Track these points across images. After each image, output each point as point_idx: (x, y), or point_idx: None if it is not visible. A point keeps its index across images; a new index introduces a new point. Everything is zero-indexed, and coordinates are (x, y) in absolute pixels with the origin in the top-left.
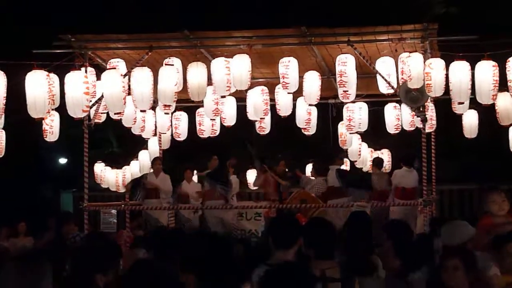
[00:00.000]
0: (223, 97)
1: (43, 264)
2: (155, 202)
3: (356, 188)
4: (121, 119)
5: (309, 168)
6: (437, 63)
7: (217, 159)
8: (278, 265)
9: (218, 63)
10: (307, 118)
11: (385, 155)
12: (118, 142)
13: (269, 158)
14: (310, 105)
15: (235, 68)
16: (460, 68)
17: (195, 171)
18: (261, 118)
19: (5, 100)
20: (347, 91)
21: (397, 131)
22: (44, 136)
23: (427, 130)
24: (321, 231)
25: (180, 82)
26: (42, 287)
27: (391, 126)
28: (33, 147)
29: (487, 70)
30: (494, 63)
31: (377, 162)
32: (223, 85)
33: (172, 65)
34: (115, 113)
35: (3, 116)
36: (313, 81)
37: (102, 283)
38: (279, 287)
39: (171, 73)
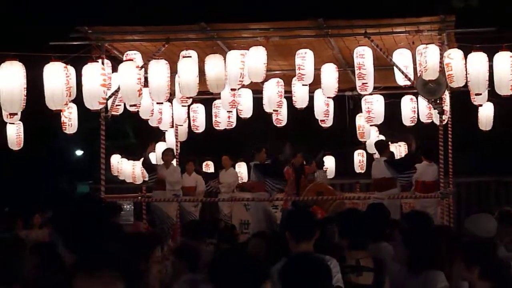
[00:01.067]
0: (233, 89)
1: None
2: (160, 194)
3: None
4: (138, 111)
5: (326, 160)
6: (456, 54)
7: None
8: (296, 256)
9: (233, 56)
10: (325, 110)
11: (402, 147)
12: (135, 134)
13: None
14: (328, 97)
15: (251, 60)
16: (478, 60)
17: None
18: (274, 110)
19: (25, 92)
20: (366, 83)
21: (412, 124)
22: (63, 128)
23: (444, 122)
24: (355, 221)
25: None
26: None
27: (407, 118)
28: (50, 139)
29: (505, 61)
30: (511, 54)
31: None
32: (236, 78)
33: (190, 56)
34: (130, 105)
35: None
36: (330, 74)
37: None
38: (297, 278)
39: (191, 65)
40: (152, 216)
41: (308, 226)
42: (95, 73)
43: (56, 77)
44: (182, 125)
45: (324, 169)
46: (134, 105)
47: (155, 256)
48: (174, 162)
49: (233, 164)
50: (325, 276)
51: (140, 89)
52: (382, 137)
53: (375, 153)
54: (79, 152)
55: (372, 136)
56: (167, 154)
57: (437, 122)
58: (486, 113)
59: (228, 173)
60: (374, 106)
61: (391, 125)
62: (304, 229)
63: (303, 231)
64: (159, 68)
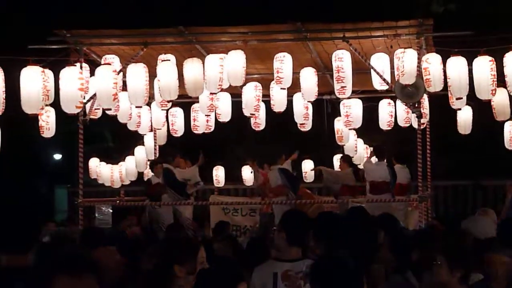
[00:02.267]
0: (213, 93)
1: None
2: (164, 198)
3: None
4: (116, 115)
5: (305, 164)
6: (434, 58)
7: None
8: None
9: (212, 60)
10: (304, 114)
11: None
12: (114, 137)
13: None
14: (308, 101)
15: (230, 64)
16: (457, 64)
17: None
18: (252, 114)
19: (4, 95)
20: (345, 86)
21: (389, 128)
22: (41, 132)
23: (422, 126)
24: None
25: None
26: None
27: (384, 122)
28: (28, 143)
29: (484, 65)
30: (491, 58)
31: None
32: (215, 82)
33: (169, 60)
34: (105, 109)
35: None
36: (310, 78)
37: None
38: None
39: (170, 69)
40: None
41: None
42: (72, 77)
43: (33, 81)
44: (160, 129)
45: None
46: (109, 109)
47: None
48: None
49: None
50: (354, 277)
51: (115, 93)
52: (360, 141)
53: (352, 157)
54: (57, 156)
55: (351, 139)
56: (157, 167)
57: (415, 125)
58: (464, 117)
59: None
60: (352, 110)
61: (369, 129)
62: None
63: (299, 235)
64: (137, 72)
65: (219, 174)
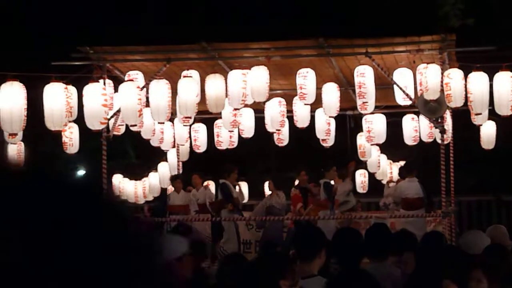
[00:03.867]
0: (236, 109)
1: None
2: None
3: None
4: (140, 131)
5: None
6: (456, 73)
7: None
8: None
9: (235, 76)
10: (326, 129)
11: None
12: (137, 153)
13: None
14: (330, 116)
15: (253, 79)
16: (479, 79)
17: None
18: (277, 130)
19: (26, 112)
20: (366, 102)
21: (415, 143)
22: (64, 148)
23: (445, 141)
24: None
25: (198, 93)
26: None
27: (408, 137)
28: (51, 159)
29: (505, 81)
30: None
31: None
32: (238, 98)
33: (191, 76)
34: (130, 125)
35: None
36: (332, 93)
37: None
38: None
39: (191, 85)
40: None
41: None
42: (96, 93)
43: (56, 97)
44: (183, 145)
45: None
46: (135, 125)
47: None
48: None
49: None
50: None
51: (140, 110)
52: (384, 157)
53: (375, 173)
54: (80, 172)
55: (373, 155)
56: (177, 182)
57: (438, 141)
58: (488, 132)
59: (200, 193)
60: (374, 125)
61: (393, 145)
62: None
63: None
64: (159, 88)
65: (242, 189)
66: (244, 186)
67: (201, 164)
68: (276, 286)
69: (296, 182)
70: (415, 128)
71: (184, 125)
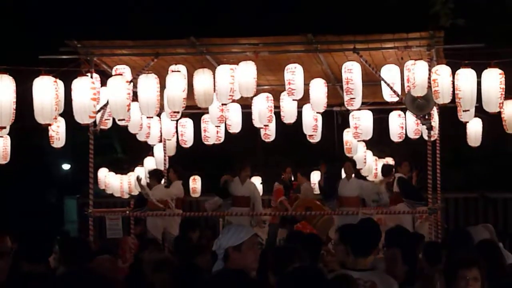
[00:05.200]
0: (224, 104)
1: None
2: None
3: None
4: (127, 126)
5: (314, 175)
6: (444, 70)
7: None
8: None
9: (223, 71)
10: (313, 125)
11: (389, 163)
12: (123, 148)
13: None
14: (317, 112)
15: (241, 75)
16: (468, 75)
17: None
18: (265, 125)
19: (15, 105)
20: (354, 98)
21: (400, 140)
22: (51, 142)
23: (432, 138)
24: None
25: (186, 88)
26: None
27: (395, 134)
28: (37, 153)
29: (494, 78)
30: (500, 71)
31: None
32: (226, 93)
33: (179, 71)
34: (118, 120)
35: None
36: (319, 89)
37: None
38: None
39: (179, 80)
40: (142, 230)
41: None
42: (85, 87)
43: (46, 91)
44: (170, 140)
45: (312, 184)
46: (123, 120)
47: None
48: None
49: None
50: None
51: (129, 104)
52: (370, 153)
53: (361, 169)
54: (66, 166)
55: (360, 151)
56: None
57: (425, 137)
58: (474, 129)
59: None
60: (361, 121)
61: (380, 141)
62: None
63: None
64: (148, 83)
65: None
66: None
67: (187, 159)
68: None
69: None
70: (401, 125)
71: (171, 120)
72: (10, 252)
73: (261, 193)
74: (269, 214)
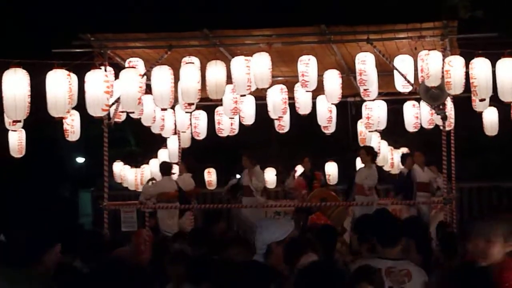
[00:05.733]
0: (243, 95)
1: None
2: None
3: None
4: (140, 118)
5: (328, 166)
6: (457, 61)
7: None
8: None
9: (238, 62)
10: (328, 117)
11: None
12: (137, 140)
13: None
14: (332, 103)
15: (255, 66)
16: (483, 64)
17: None
18: (279, 117)
19: (29, 99)
20: (368, 89)
21: (415, 130)
22: (66, 135)
23: (447, 128)
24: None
25: (199, 80)
26: None
27: (410, 124)
28: (51, 147)
29: (508, 67)
30: None
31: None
32: (244, 84)
33: (193, 63)
34: (129, 112)
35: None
36: (333, 80)
37: None
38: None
39: (193, 71)
40: (156, 222)
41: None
42: (98, 80)
43: (59, 84)
44: (185, 132)
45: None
46: (133, 112)
47: None
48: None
49: (189, 170)
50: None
51: (140, 97)
52: (384, 143)
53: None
54: (80, 160)
55: (373, 142)
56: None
57: (440, 127)
58: (490, 119)
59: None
60: (374, 112)
61: (394, 131)
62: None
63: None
64: (162, 75)
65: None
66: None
67: (201, 151)
68: None
69: (299, 169)
70: (416, 115)
71: (186, 112)
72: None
73: (274, 185)
74: (284, 205)
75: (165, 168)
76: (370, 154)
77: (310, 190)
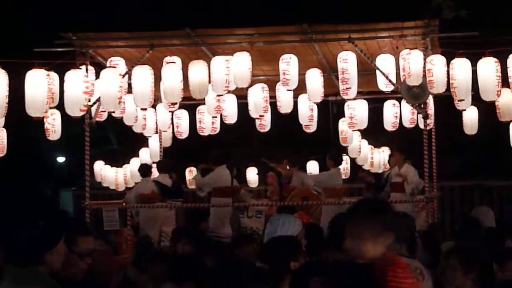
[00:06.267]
0: (220, 95)
1: None
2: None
3: None
4: (122, 117)
5: (310, 165)
6: (438, 60)
7: None
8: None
9: (218, 62)
10: (309, 115)
11: (385, 152)
12: (118, 140)
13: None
14: (314, 102)
15: (236, 65)
16: (463, 65)
17: None
18: (260, 116)
19: (7, 99)
20: (349, 88)
21: (394, 129)
22: (47, 135)
23: (428, 127)
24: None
25: (182, 79)
26: None
27: (388, 123)
28: (33, 146)
29: (490, 66)
30: (495, 59)
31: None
32: (222, 84)
33: (175, 62)
34: (109, 112)
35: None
36: (315, 79)
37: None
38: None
39: (175, 71)
40: (138, 222)
41: None
42: (77, 80)
43: (38, 84)
44: (166, 131)
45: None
46: (113, 112)
47: None
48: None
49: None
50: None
51: (120, 97)
52: (365, 142)
53: (356, 158)
54: (61, 159)
55: (355, 141)
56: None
57: (421, 126)
58: (470, 118)
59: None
60: (356, 111)
61: (375, 130)
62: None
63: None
64: (143, 74)
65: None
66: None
67: (183, 151)
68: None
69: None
70: (395, 114)
71: (169, 111)
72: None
73: (256, 184)
74: (265, 204)
75: (143, 170)
76: (332, 159)
77: (280, 192)
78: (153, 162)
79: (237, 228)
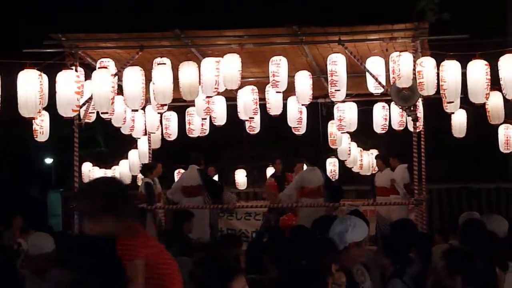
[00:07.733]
0: (209, 97)
1: None
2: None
3: None
4: (110, 119)
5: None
6: (428, 62)
7: None
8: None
9: (208, 63)
10: (298, 118)
11: (374, 155)
12: (107, 141)
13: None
14: (302, 104)
15: (225, 67)
16: (452, 67)
17: None
18: (250, 118)
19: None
20: (338, 90)
21: (383, 131)
22: (35, 136)
23: (417, 130)
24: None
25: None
26: None
27: (378, 125)
28: (20, 147)
29: (479, 69)
30: (485, 62)
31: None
32: (211, 86)
33: (165, 64)
34: (102, 113)
35: None
36: (304, 81)
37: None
38: None
39: (166, 72)
40: None
41: None
42: (69, 81)
43: (30, 84)
44: (155, 133)
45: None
46: (106, 113)
47: None
48: None
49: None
50: None
51: (113, 97)
52: (354, 144)
53: (346, 160)
54: (48, 160)
55: (344, 143)
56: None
57: (410, 129)
58: (459, 120)
59: None
60: (346, 114)
61: (364, 133)
62: None
63: None
64: (133, 75)
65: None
66: (241, 174)
67: (172, 152)
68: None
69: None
70: (385, 117)
71: (158, 112)
72: None
73: (245, 186)
74: (264, 206)
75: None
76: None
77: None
78: (142, 164)
79: (216, 229)
